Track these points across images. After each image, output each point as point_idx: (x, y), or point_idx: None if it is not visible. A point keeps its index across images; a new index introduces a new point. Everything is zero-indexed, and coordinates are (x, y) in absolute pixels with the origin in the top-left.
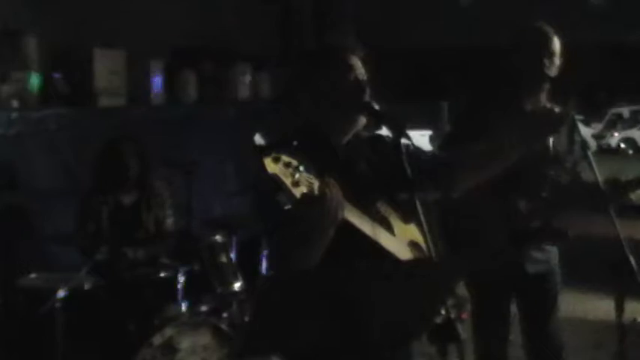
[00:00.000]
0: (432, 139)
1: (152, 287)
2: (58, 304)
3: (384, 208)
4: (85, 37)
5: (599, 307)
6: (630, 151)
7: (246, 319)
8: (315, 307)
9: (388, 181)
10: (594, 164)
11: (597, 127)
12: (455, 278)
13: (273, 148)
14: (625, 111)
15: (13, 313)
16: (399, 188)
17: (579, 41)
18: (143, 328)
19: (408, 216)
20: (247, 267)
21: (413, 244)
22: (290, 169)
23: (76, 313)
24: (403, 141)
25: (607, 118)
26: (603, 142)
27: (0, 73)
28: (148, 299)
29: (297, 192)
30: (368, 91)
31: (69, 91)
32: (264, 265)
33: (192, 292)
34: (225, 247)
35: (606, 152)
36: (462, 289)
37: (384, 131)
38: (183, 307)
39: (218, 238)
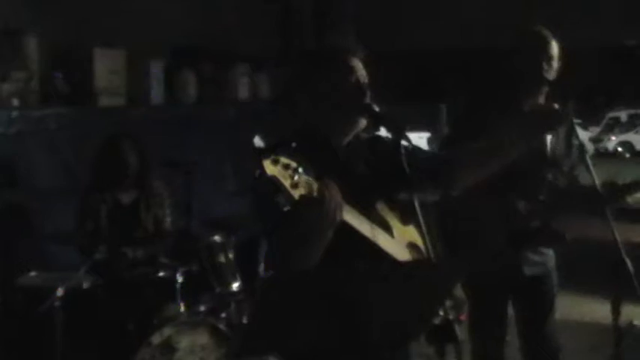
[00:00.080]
0: (430, 141)
1: (151, 287)
2: (57, 303)
3: (383, 210)
4: (85, 36)
5: (596, 310)
6: (627, 155)
7: (244, 319)
8: (314, 308)
9: (387, 182)
10: (592, 167)
11: (595, 130)
12: (453, 280)
13: (272, 149)
14: (622, 115)
15: (12, 312)
16: (399, 189)
17: (577, 45)
18: (142, 327)
19: (407, 217)
20: (246, 267)
21: (412, 246)
22: (289, 171)
23: (75, 312)
24: (402, 142)
25: (604, 121)
26: (601, 145)
27: (0, 72)
28: (147, 299)
29: (296, 193)
30: (368, 92)
31: (69, 91)
32: (262, 265)
33: (191, 292)
34: (223, 248)
35: (603, 156)
36: (459, 291)
37: (383, 132)
38: (182, 306)
39: (217, 238)
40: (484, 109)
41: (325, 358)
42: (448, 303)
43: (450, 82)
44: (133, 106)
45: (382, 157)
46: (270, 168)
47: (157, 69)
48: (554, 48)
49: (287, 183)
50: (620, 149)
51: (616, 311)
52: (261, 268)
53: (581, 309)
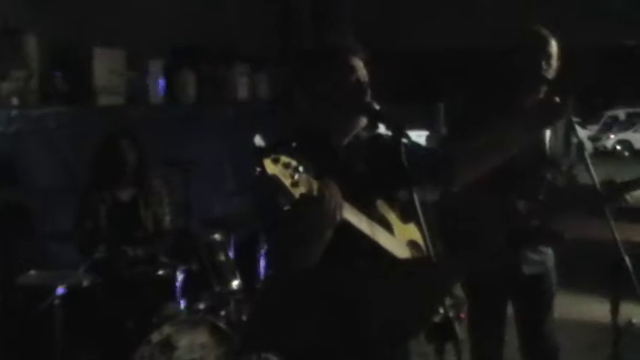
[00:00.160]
0: (428, 139)
1: (150, 285)
2: (56, 302)
3: (383, 208)
4: (84, 35)
5: (595, 309)
6: (626, 153)
7: (244, 317)
8: (314, 307)
9: (387, 180)
10: (591, 166)
11: (593, 129)
12: (453, 279)
13: (273, 149)
14: (621, 113)
15: (12, 311)
16: (399, 187)
17: (576, 44)
18: (141, 326)
19: (407, 216)
20: (245, 266)
21: (412, 244)
22: (289, 170)
23: (75, 311)
24: (402, 140)
25: (603, 120)
26: (599, 144)
27: (0, 71)
28: (147, 297)
29: (297, 192)
30: (369, 91)
31: (68, 90)
32: (262, 264)
33: (191, 291)
34: (223, 246)
35: (602, 154)
36: (459, 289)
37: (382, 130)
38: (182, 305)
39: (216, 236)
40: (483, 109)
41: (325, 356)
42: (448, 301)
43: (449, 81)
44: (133, 105)
45: (382, 155)
46: (270, 167)
47: (156, 68)
48: (553, 47)
49: (287, 182)
50: (618, 148)
51: (615, 310)
52: (261, 266)
53: (579, 308)
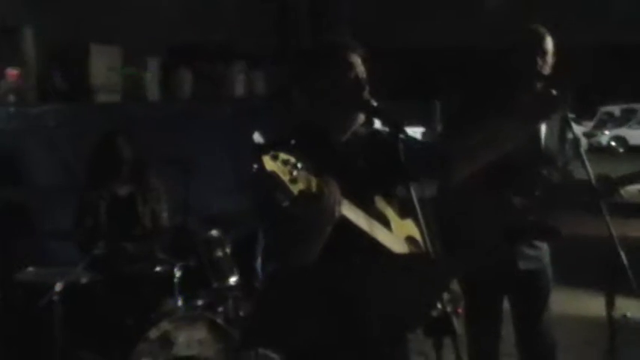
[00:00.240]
0: (424, 136)
1: (149, 282)
2: (55, 298)
3: (381, 205)
4: (82, 33)
5: (590, 304)
6: (621, 150)
7: (242, 313)
8: (313, 303)
9: (385, 177)
10: (587, 161)
11: (588, 125)
12: (451, 274)
13: (272, 145)
14: (616, 109)
15: (12, 307)
16: (397, 183)
17: (572, 40)
18: (140, 322)
19: (405, 212)
20: (243, 262)
21: (410, 240)
22: (288, 167)
23: (74, 308)
24: (399, 135)
25: (598, 116)
26: (594, 140)
27: None
28: (145, 294)
29: (295, 189)
30: (367, 88)
31: (67, 88)
32: (259, 261)
33: (189, 287)
34: (221, 243)
35: (597, 150)
36: (456, 285)
37: (380, 127)
38: (180, 301)
39: (214, 233)
40: (480, 107)
41: (324, 352)
42: (446, 296)
43: (445, 79)
44: (131, 103)
45: (380, 151)
46: (269, 164)
47: (153, 66)
48: (549, 43)
49: (286, 179)
50: (613, 144)
51: (610, 305)
52: (258, 263)
53: (575, 303)
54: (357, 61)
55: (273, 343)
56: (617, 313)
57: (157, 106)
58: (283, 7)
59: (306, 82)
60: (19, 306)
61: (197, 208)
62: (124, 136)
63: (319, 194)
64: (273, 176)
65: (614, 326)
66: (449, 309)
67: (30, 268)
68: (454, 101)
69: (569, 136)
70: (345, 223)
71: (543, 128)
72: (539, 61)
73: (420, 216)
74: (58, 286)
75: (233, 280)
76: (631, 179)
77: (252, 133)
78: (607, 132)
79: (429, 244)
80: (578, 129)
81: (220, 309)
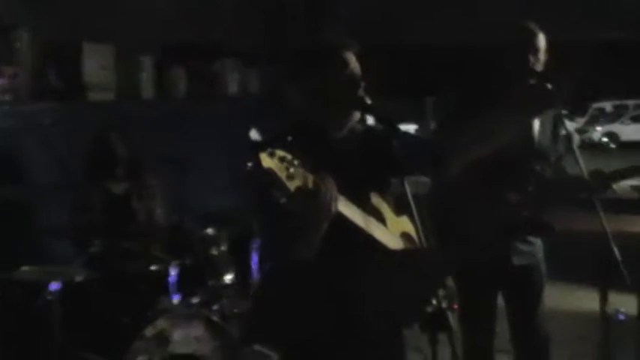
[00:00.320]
0: (416, 133)
1: (145, 280)
2: (51, 297)
3: (376, 201)
4: (77, 32)
5: (584, 300)
6: (613, 145)
7: (237, 310)
8: (310, 299)
9: (381, 173)
10: (580, 157)
11: (580, 121)
12: (445, 270)
13: (269, 143)
14: (607, 105)
15: (9, 306)
16: (392, 179)
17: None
18: (136, 320)
19: (400, 208)
20: (239, 260)
21: (405, 236)
22: (285, 164)
23: (70, 306)
24: (394, 132)
25: (590, 112)
26: (586, 136)
27: None
28: (141, 292)
29: (292, 186)
30: (362, 85)
31: (62, 86)
32: (255, 258)
33: (185, 285)
34: (216, 241)
35: (589, 146)
36: (451, 280)
37: (375, 124)
38: (176, 299)
39: (210, 231)
40: (475, 105)
41: (321, 348)
42: (441, 292)
43: (438, 76)
44: (125, 101)
45: (375, 148)
46: (266, 161)
47: (147, 64)
48: (541, 41)
49: (283, 176)
50: (605, 140)
51: (604, 301)
52: (255, 261)
53: (569, 299)
54: (351, 58)
55: (271, 339)
56: (610, 308)
57: (152, 104)
58: (278, 5)
59: (302, 81)
60: (15, 304)
61: (193, 206)
62: (117, 134)
63: (316, 191)
64: (270, 173)
65: (607, 321)
66: (444, 305)
67: (25, 267)
68: (448, 99)
69: (562, 132)
70: (341, 220)
71: (536, 124)
72: (532, 59)
73: (415, 212)
74: (55, 285)
75: (229, 277)
76: (623, 175)
77: (247, 131)
78: (599, 128)
79: (423, 239)
80: (570, 125)
81: (216, 306)
